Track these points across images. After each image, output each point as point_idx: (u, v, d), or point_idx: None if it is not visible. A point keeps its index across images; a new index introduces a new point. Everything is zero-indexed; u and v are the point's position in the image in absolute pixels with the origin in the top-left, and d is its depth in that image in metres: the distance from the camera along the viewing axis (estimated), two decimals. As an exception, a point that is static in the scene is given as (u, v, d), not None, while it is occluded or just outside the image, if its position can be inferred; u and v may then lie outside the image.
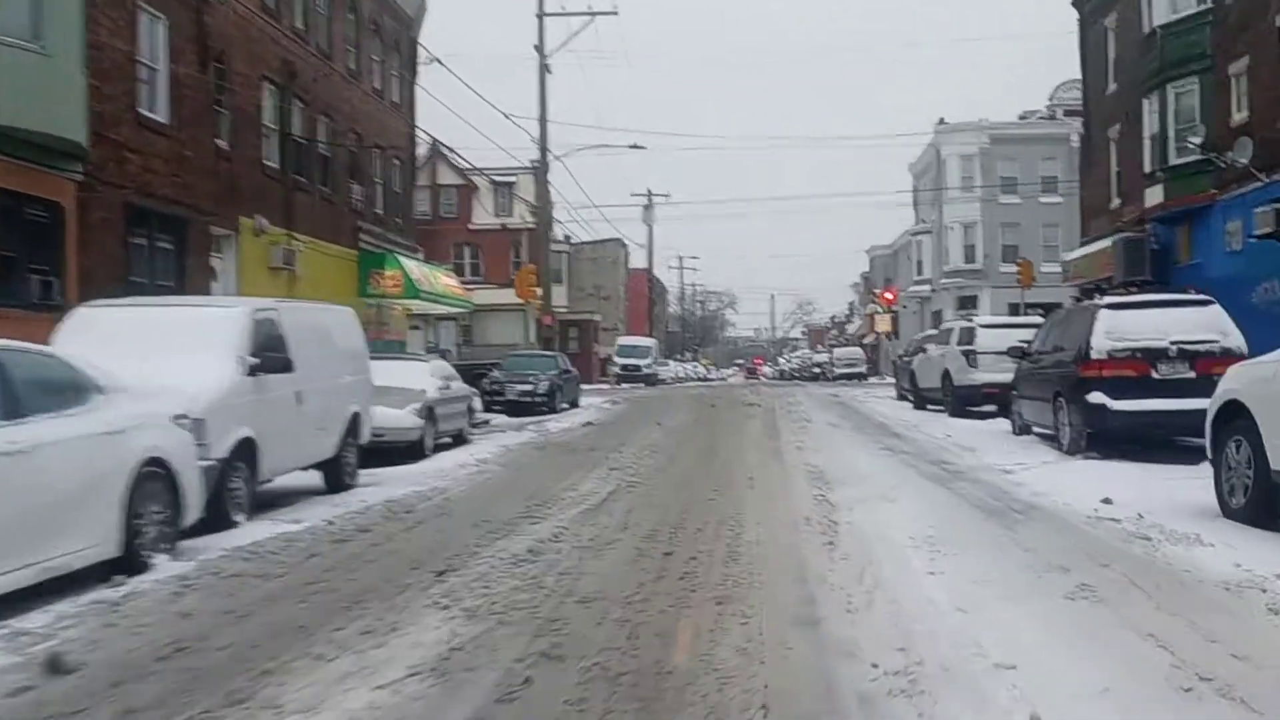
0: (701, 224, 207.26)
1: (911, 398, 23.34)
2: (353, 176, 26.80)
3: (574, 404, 27.38)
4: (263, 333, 9.49)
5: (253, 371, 9.03)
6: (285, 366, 9.59)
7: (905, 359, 26.29)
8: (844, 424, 17.60)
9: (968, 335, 19.31)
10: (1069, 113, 49.97)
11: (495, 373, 26.30)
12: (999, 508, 8.08)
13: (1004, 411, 17.60)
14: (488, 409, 25.06)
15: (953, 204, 49.59)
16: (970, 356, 18.88)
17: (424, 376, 15.05)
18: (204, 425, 8.12)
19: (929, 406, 21.55)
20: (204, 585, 5.78)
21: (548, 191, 33.14)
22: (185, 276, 18.34)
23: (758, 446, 13.61)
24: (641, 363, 50.82)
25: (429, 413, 14.34)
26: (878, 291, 51.49)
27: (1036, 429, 14.05)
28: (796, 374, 76.81)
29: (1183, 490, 8.72)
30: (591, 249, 76.19)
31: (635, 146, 36.37)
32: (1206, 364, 11.55)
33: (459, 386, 16.72)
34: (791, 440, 14.19)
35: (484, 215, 54.22)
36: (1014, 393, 15.02)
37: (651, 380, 51.00)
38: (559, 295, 58.04)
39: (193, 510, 7.23)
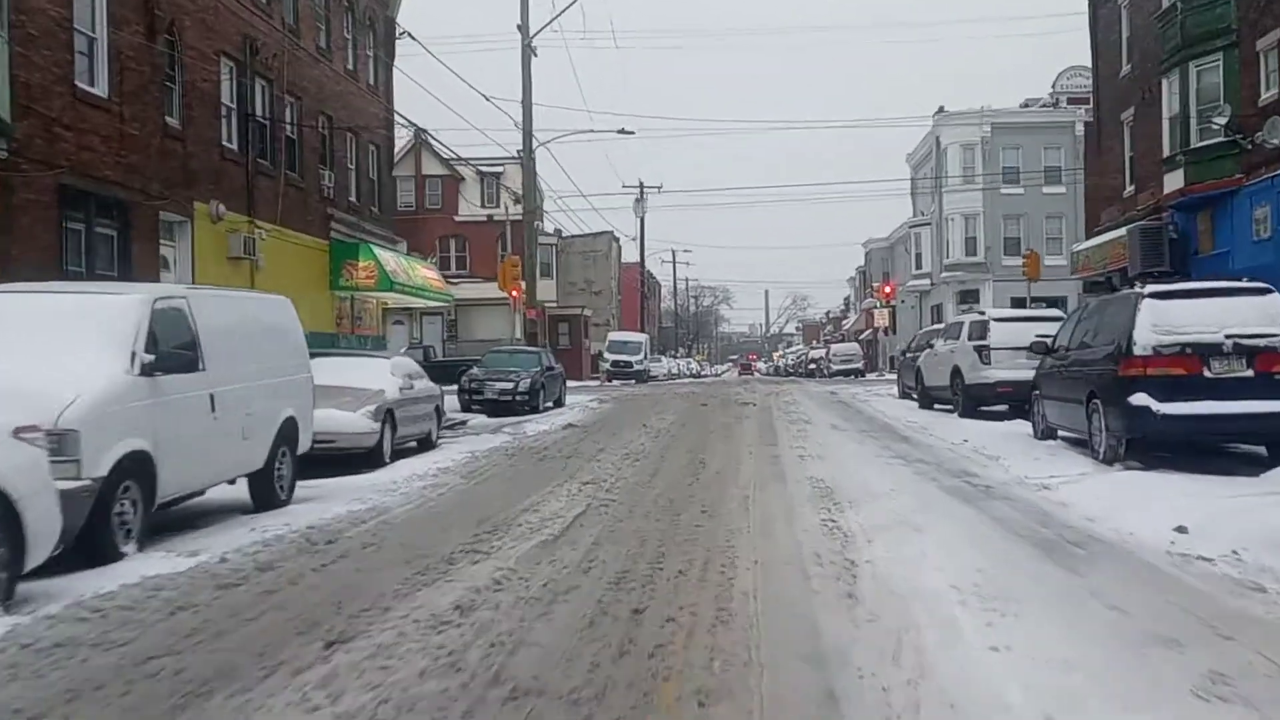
0: (695, 218, 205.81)
1: (916, 396, 21.89)
2: (324, 162, 25.27)
3: (559, 403, 25.91)
4: (166, 325, 7.96)
5: (148, 371, 7.50)
6: (192, 365, 8.08)
7: (909, 355, 24.82)
8: (847, 426, 16.14)
9: (980, 329, 17.84)
10: (1073, 100, 48.56)
11: (474, 370, 24.79)
12: (1050, 539, 6.61)
13: (1018, 412, 16.17)
14: (466, 408, 23.59)
15: (953, 195, 48.15)
16: (983, 352, 17.41)
17: (383, 375, 13.54)
18: (75, 438, 6.61)
19: (936, 406, 20.11)
20: None
21: (533, 179, 31.62)
22: (130, 265, 16.80)
23: (753, 454, 12.13)
24: (632, 359, 49.32)
25: (388, 416, 12.84)
26: (876, 286, 50.05)
27: (1064, 433, 12.58)
28: (792, 370, 75.39)
29: (1262, 512, 7.26)
30: (583, 242, 74.67)
31: (623, 132, 34.83)
32: (1267, 360, 10.11)
33: (425, 386, 15.22)
34: (791, 446, 12.72)
35: (470, 207, 52.72)
36: (1036, 393, 13.56)
37: (642, 377, 49.52)
38: (547, 289, 56.60)
39: (41, 547, 5.72)
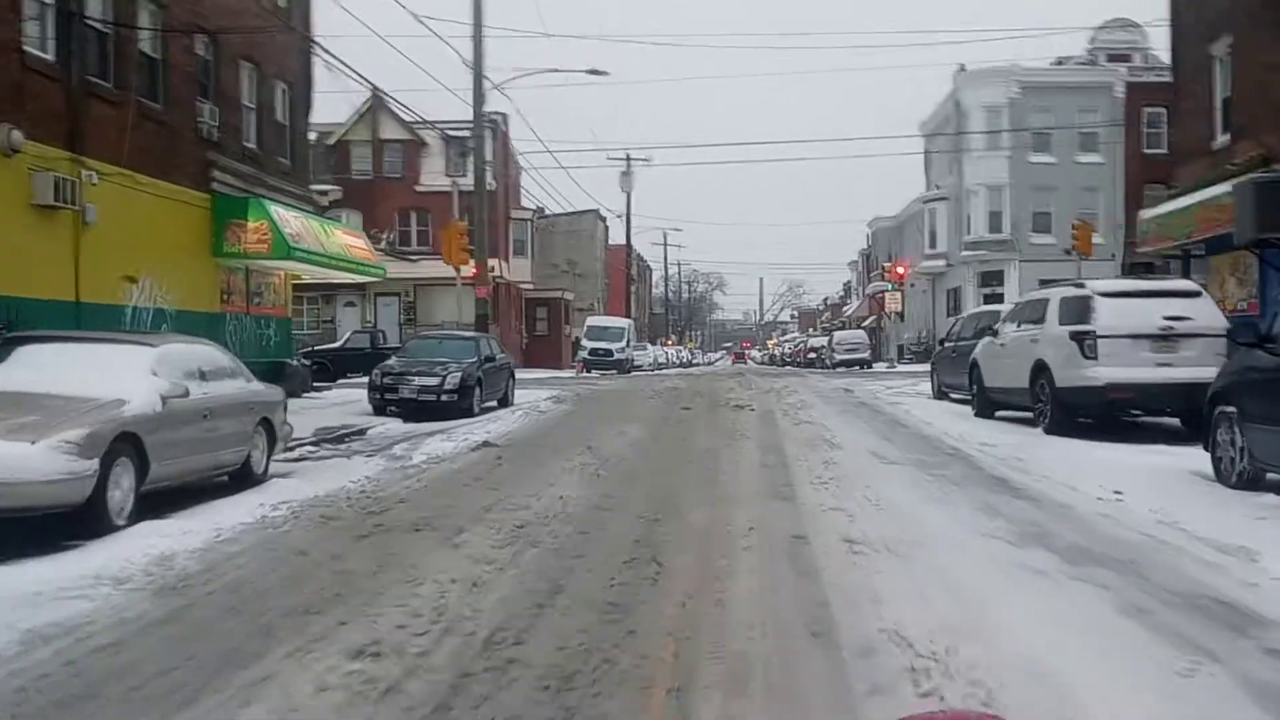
0: (687, 197, 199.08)
1: (969, 400, 16.58)
2: (204, 94, 19.72)
3: (504, 401, 20.51)
4: None
5: None
6: None
7: (950, 345, 19.44)
8: (897, 454, 10.72)
9: (1079, 309, 12.45)
10: (1114, 58, 43.15)
11: (390, 361, 19.34)
12: None
13: (1124, 426, 10.89)
14: (380, 410, 18.19)
15: (976, 164, 42.70)
16: (1085, 342, 12.03)
17: (133, 376, 8.07)
18: None
19: (999, 414, 14.79)
20: None
21: (483, 131, 26.07)
22: None
23: (761, 522, 6.71)
24: (613, 347, 43.87)
25: (126, 447, 7.40)
26: (887, 266, 44.63)
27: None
28: (789, 360, 69.96)
29: None
30: (566, 221, 69.11)
31: (595, 72, 29.18)
32: None
33: (235, 390, 9.78)
34: (823, 506, 7.32)
35: (434, 176, 47.05)
36: (1226, 409, 8.16)
37: (624, 367, 44.09)
38: (521, 269, 51.09)
39: None
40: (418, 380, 18.06)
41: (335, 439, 14.78)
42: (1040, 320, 13.30)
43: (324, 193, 47.60)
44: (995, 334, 14.92)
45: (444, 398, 17.90)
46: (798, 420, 14.60)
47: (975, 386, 15.63)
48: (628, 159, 60.96)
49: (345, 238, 23.79)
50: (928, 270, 48.75)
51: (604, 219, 72.43)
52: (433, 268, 43.86)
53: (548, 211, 67.60)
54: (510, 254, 49.83)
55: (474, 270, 40.49)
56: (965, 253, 43.07)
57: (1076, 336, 12.18)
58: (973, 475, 8.92)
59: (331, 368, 30.76)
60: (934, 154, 50.49)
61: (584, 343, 44.84)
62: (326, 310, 45.07)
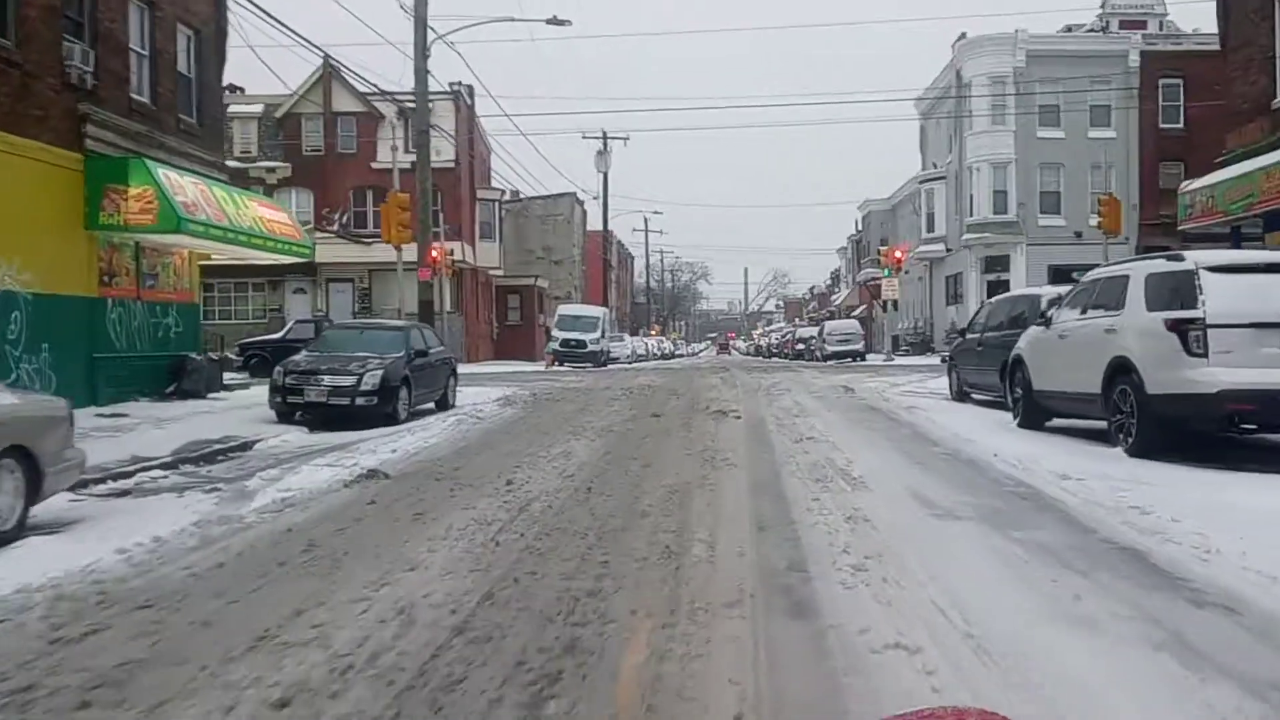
0: (668, 180, 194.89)
1: (1004, 403, 13.40)
2: (74, 33, 16.24)
3: (443, 403, 17.23)
4: None
5: None
6: None
7: (976, 337, 16.24)
8: (938, 490, 7.43)
9: (1177, 288, 9.19)
10: (1127, 25, 40.01)
11: (298, 356, 15.96)
12: None
13: (1225, 443, 7.82)
14: (285, 417, 14.85)
15: (979, 139, 39.47)
16: (1190, 334, 8.80)
17: None
18: None
19: (1049, 424, 11.61)
20: None
21: (425, 80, 22.61)
22: None
23: (758, 700, 3.41)
24: (586, 338, 40.44)
25: None
26: (883, 250, 41.40)
27: None
28: (776, 351, 66.78)
29: None
30: (541, 205, 65.71)
31: (556, 21, 25.59)
32: None
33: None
34: (864, 614, 4.10)
35: (391, 152, 43.49)
36: None
37: (599, 360, 40.74)
38: (489, 254, 47.58)
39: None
40: (329, 379, 14.72)
41: (201, 458, 11.43)
42: (1117, 305, 10.05)
43: (271, 170, 44.20)
44: (1047, 323, 11.66)
45: (360, 401, 14.58)
46: (797, 434, 11.33)
47: (1018, 389, 12.37)
48: (604, 136, 57.46)
49: (263, 210, 20.30)
50: (925, 255, 45.60)
51: (581, 202, 68.92)
52: (390, 251, 40.37)
53: (522, 195, 64.18)
54: (477, 237, 46.37)
55: (433, 255, 37.14)
56: (967, 235, 39.89)
57: (1177, 326, 8.93)
58: (1089, 546, 5.63)
59: (271, 360, 27.26)
60: (934, 123, 47.31)
61: (554, 333, 41.42)
62: (274, 297, 41.54)
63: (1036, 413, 11.89)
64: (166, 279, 18.92)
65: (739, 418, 13.63)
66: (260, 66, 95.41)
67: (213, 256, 20.62)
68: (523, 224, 65.96)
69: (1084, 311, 10.84)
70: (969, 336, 16.81)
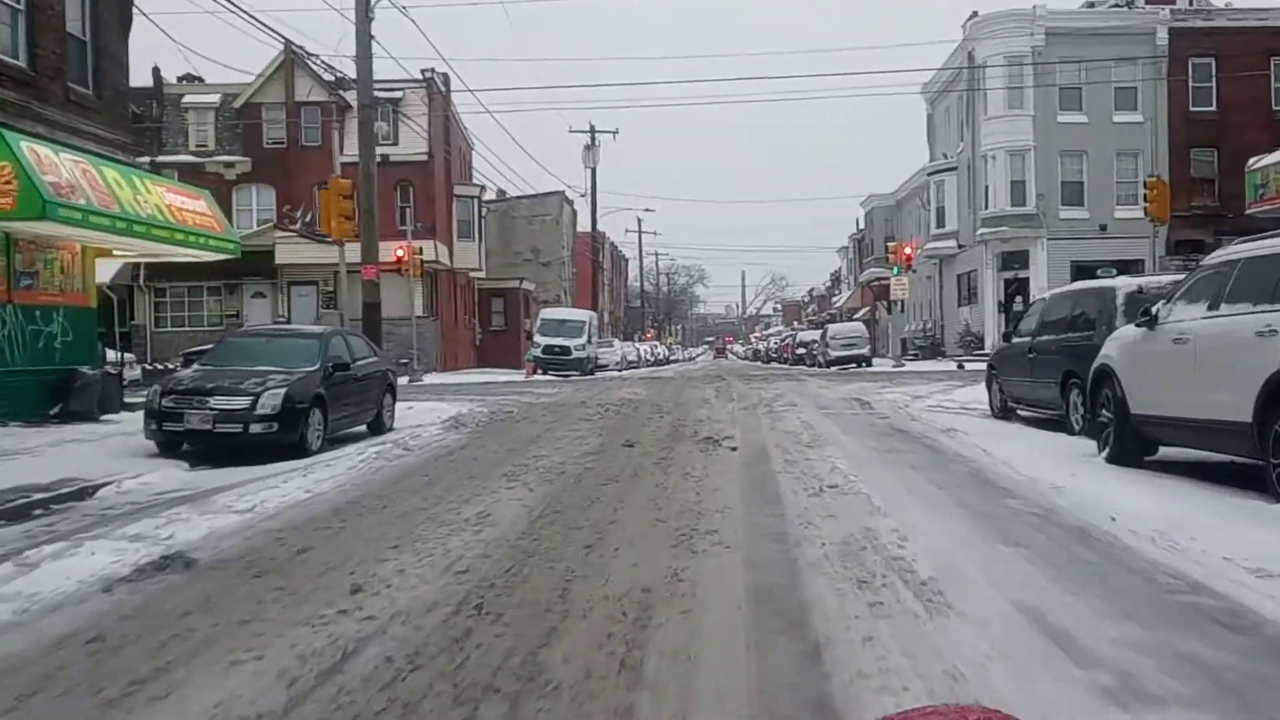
0: (662, 177, 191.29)
1: (1068, 422, 10.38)
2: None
3: (377, 425, 14.19)
4: None
5: None
6: None
7: (1026, 342, 13.15)
8: (1056, 593, 4.36)
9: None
10: (1154, -1, 37.05)
11: (184, 372, 12.88)
12: None
13: None
14: (171, 448, 11.78)
15: (994, 125, 36.43)
16: None
17: None
18: None
19: (1148, 459, 8.57)
20: None
21: (368, 45, 19.50)
22: None
23: None
24: (571, 343, 37.32)
25: None
26: (892, 245, 38.32)
27: None
28: (775, 356, 63.71)
29: None
30: (529, 205, 62.57)
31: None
32: None
33: None
34: None
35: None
36: None
37: (585, 367, 37.65)
38: (467, 254, 44.38)
39: None
40: (216, 401, 11.59)
41: (10, 514, 8.36)
42: (1273, 297, 6.98)
43: (230, 164, 41.10)
44: (1151, 322, 8.56)
45: (256, 428, 11.47)
46: (814, 478, 8.25)
47: (1104, 411, 9.27)
48: (591, 130, 54.40)
49: (174, 197, 17.13)
50: (934, 252, 42.54)
51: (570, 201, 65.79)
52: (357, 251, 37.33)
53: (508, 194, 61.09)
54: (454, 236, 43.25)
55: (400, 249, 34.05)
56: (982, 230, 36.81)
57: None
58: None
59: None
60: (943, 111, 44.32)
61: (537, 339, 38.29)
62: (231, 302, 38.38)
63: (1134, 444, 8.80)
64: (50, 278, 15.81)
65: (734, 448, 10.54)
66: (224, 54, 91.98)
67: (113, 252, 17.48)
68: (509, 225, 62.93)
69: (1213, 306, 7.75)
70: (1016, 341, 13.73)
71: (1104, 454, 9.24)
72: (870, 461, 9.35)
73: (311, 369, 12.51)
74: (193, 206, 17.74)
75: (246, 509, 7.67)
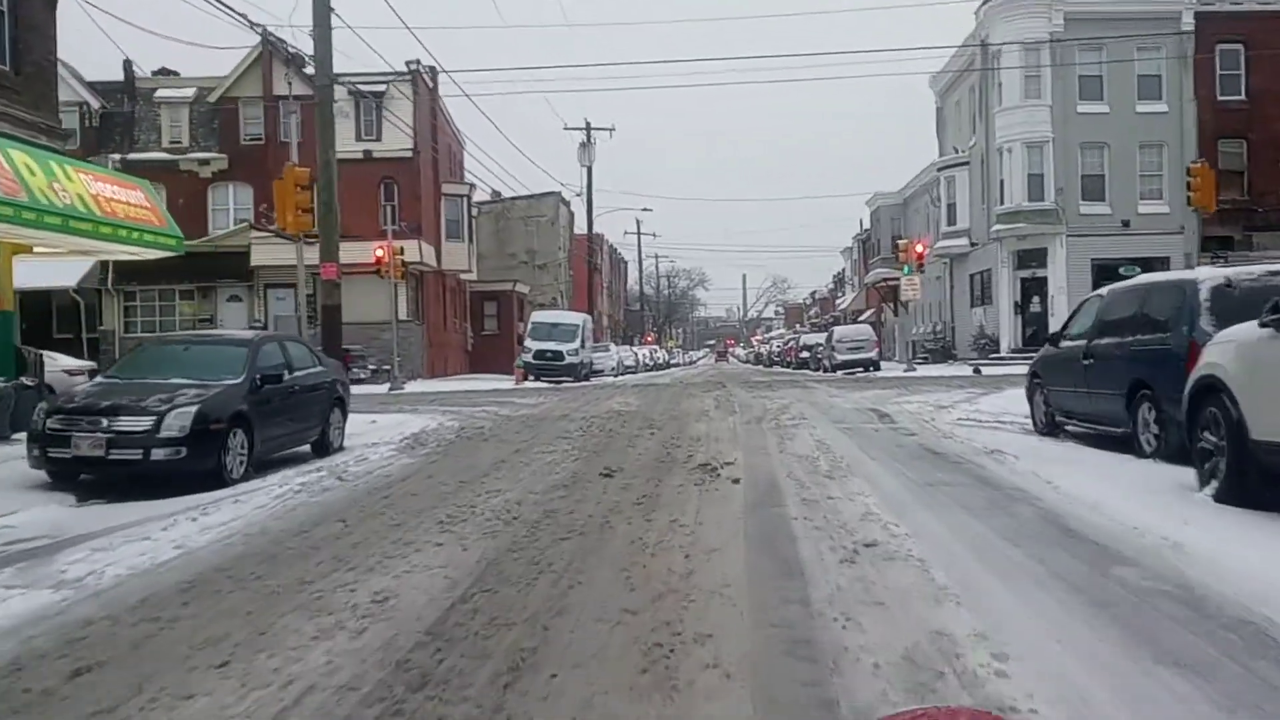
0: (662, 176, 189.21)
1: (1141, 443, 8.44)
2: None
3: (322, 445, 12.24)
4: None
5: None
6: None
7: (1080, 346, 11.13)
8: None
9: None
10: (1179, -19, 35.01)
11: (82, 388, 10.89)
12: None
13: None
14: (62, 478, 9.81)
15: (1010, 115, 34.43)
16: None
17: None
18: None
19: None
20: None
21: (328, 20, 17.54)
22: None
23: None
24: (564, 348, 35.33)
25: None
26: (902, 242, 36.32)
27: None
28: (778, 360, 61.66)
29: None
30: (524, 206, 60.56)
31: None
32: None
33: None
34: None
35: (343, 141, 38.34)
36: None
37: (579, 373, 35.67)
38: (456, 255, 42.35)
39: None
40: (112, 422, 9.59)
41: None
42: None
43: (205, 161, 39.17)
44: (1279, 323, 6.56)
45: (159, 453, 9.49)
46: (841, 528, 6.27)
47: (1207, 433, 7.26)
48: (587, 128, 52.46)
49: (103, 186, 15.14)
50: (945, 251, 40.53)
51: (567, 202, 63.83)
52: (342, 252, 35.32)
53: (503, 196, 59.13)
54: (443, 236, 41.27)
55: (379, 249, 32.07)
56: (997, 227, 34.80)
57: None
58: None
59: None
60: (954, 102, 42.35)
61: (527, 343, 36.30)
62: (205, 306, 36.38)
63: (1255, 479, 6.80)
64: (-48, 276, 13.85)
65: (736, 480, 8.54)
66: (196, 39, 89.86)
67: (33, 248, 15.49)
68: (504, 227, 61.04)
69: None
70: (1065, 345, 11.73)
71: (1208, 489, 7.23)
72: (911, 502, 7.34)
73: (234, 382, 10.52)
74: (126, 197, 15.73)
75: (75, 579, 5.66)
